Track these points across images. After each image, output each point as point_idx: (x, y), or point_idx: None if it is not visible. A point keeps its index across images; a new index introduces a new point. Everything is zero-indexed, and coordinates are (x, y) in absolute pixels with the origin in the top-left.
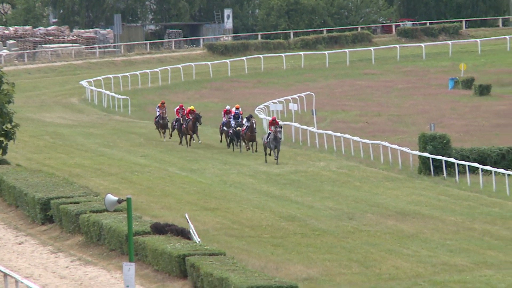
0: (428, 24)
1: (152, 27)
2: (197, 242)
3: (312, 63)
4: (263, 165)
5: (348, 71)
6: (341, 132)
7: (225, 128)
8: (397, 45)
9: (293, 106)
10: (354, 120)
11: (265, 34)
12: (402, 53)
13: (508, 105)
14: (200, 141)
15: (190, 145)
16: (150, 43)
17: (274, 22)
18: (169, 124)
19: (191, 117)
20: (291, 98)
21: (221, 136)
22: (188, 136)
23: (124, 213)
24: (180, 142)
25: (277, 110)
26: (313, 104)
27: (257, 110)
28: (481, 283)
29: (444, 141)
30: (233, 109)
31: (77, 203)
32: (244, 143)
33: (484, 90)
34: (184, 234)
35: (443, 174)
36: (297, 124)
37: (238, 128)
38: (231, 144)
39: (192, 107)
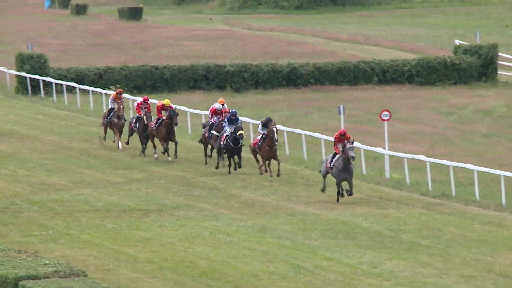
0: None
1: None
2: None
3: None
4: None
5: None
6: None
7: (213, 132)
8: None
9: None
10: None
11: None
12: None
13: (104, 25)
14: (175, 157)
15: (172, 156)
16: None
17: None
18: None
19: (163, 117)
20: None
21: (205, 146)
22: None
23: None
24: (144, 149)
25: None
26: None
27: None
28: (79, 202)
29: (42, 61)
30: (216, 105)
31: None
32: (257, 160)
33: (80, 10)
34: None
35: (40, 94)
36: None
37: (240, 133)
38: (218, 158)
39: (166, 101)
